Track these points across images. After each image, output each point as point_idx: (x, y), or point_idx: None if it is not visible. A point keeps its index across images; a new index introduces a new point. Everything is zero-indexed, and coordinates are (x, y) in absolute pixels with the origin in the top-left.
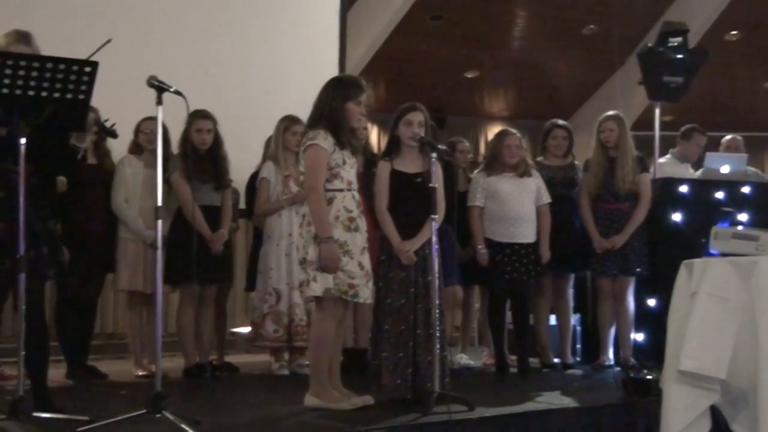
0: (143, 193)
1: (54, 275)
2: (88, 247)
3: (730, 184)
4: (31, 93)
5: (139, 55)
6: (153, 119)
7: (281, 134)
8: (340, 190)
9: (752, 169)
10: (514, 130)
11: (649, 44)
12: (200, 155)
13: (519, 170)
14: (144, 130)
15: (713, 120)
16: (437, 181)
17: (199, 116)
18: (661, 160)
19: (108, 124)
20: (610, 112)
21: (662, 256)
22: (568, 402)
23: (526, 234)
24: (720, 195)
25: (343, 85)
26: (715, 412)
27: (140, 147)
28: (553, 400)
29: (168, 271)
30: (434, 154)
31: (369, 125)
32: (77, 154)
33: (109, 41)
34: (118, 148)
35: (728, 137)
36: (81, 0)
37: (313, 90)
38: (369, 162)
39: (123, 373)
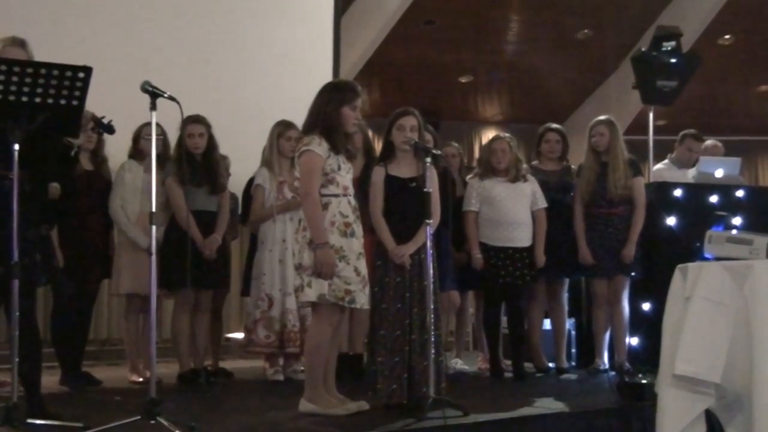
0: (143, 197)
1: (46, 281)
2: (84, 253)
3: (724, 188)
4: (24, 99)
5: (134, 60)
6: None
7: (275, 140)
8: (336, 196)
9: (740, 178)
10: (504, 135)
11: (643, 48)
12: (195, 160)
13: (511, 174)
14: (145, 135)
15: (707, 124)
16: (432, 185)
17: (191, 121)
18: (660, 165)
19: (105, 121)
20: (601, 117)
21: (657, 260)
22: (562, 407)
23: (521, 238)
24: (714, 199)
25: (338, 89)
26: (710, 416)
27: (142, 152)
28: (548, 404)
29: (163, 276)
30: (429, 159)
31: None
32: (71, 151)
33: None
34: (117, 153)
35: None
36: (77, 4)
37: (308, 95)
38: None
39: (117, 380)
